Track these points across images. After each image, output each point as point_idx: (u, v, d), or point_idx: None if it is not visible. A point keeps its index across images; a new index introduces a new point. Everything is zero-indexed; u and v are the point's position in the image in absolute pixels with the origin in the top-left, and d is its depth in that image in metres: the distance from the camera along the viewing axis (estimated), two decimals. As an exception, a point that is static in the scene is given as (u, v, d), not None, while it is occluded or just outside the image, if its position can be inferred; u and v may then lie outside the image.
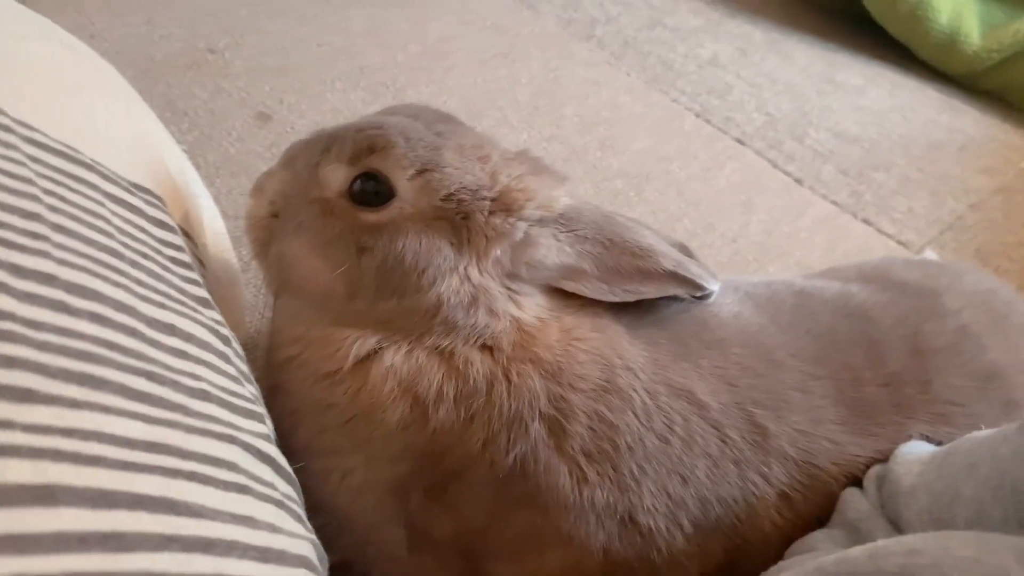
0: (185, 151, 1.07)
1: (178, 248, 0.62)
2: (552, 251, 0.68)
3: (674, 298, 0.73)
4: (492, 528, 0.68)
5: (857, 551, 0.50)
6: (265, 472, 0.51)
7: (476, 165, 0.67)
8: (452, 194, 0.66)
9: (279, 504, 0.50)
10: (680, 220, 1.29)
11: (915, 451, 0.71)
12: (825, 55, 1.90)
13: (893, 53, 1.93)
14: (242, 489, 0.46)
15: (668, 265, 0.69)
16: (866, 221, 1.40)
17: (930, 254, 1.21)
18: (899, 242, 1.37)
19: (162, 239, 0.61)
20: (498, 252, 0.67)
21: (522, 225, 0.67)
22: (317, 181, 0.67)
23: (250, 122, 1.21)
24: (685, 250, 0.76)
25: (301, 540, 0.50)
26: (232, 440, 0.48)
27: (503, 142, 1.34)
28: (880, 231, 1.39)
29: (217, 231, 0.80)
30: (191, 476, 0.42)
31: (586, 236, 0.69)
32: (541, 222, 0.68)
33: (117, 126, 0.67)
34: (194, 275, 0.62)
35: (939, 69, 1.90)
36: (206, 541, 0.40)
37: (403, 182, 0.65)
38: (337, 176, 0.67)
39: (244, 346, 0.80)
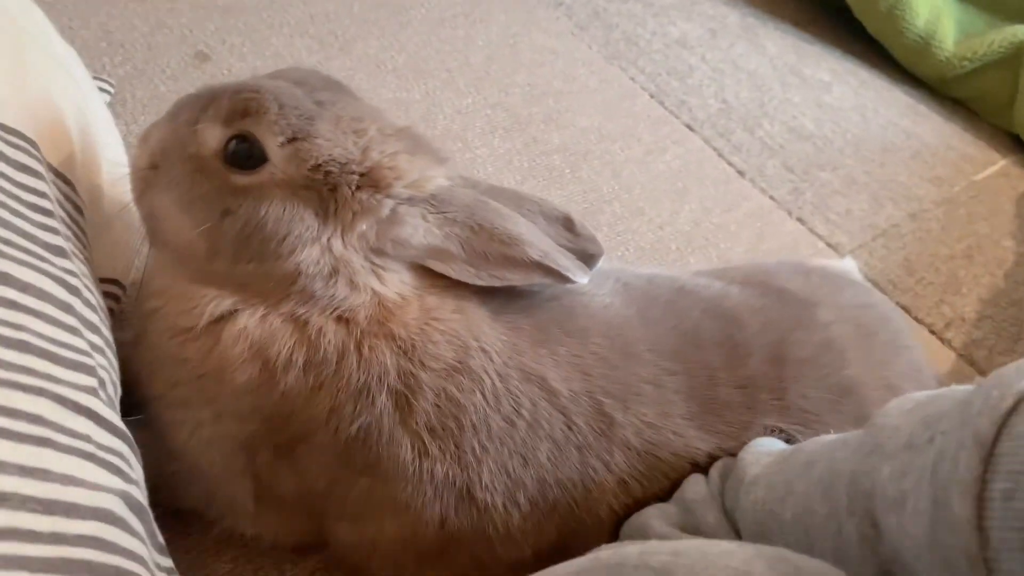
0: (113, 85, 1.07)
1: (39, 194, 0.63)
2: (419, 231, 0.69)
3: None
4: (335, 491, 0.70)
5: (632, 547, 0.53)
6: (79, 424, 0.53)
7: (350, 138, 0.68)
8: (320, 165, 0.66)
9: (89, 456, 0.52)
10: (610, 203, 1.29)
11: (766, 446, 0.74)
12: (798, 46, 1.89)
13: (869, 51, 1.92)
14: (41, 441, 0.48)
15: (534, 255, 0.70)
16: (800, 220, 1.41)
17: (849, 261, 1.22)
18: (828, 244, 1.39)
19: (22, 183, 0.62)
20: (364, 227, 0.68)
21: (389, 202, 0.68)
22: (194, 138, 0.68)
23: (187, 60, 1.21)
24: (569, 224, 0.77)
25: (107, 493, 0.52)
26: (42, 392, 0.50)
27: (445, 105, 1.35)
28: (812, 231, 1.40)
29: (119, 172, 0.81)
30: (-23, 427, 0.44)
31: (455, 219, 0.70)
32: (410, 201, 0.69)
33: (-3, 65, 0.67)
34: (52, 222, 0.63)
35: (911, 72, 1.90)
36: (-23, 491, 0.42)
37: (274, 148, 0.66)
38: (213, 135, 0.67)
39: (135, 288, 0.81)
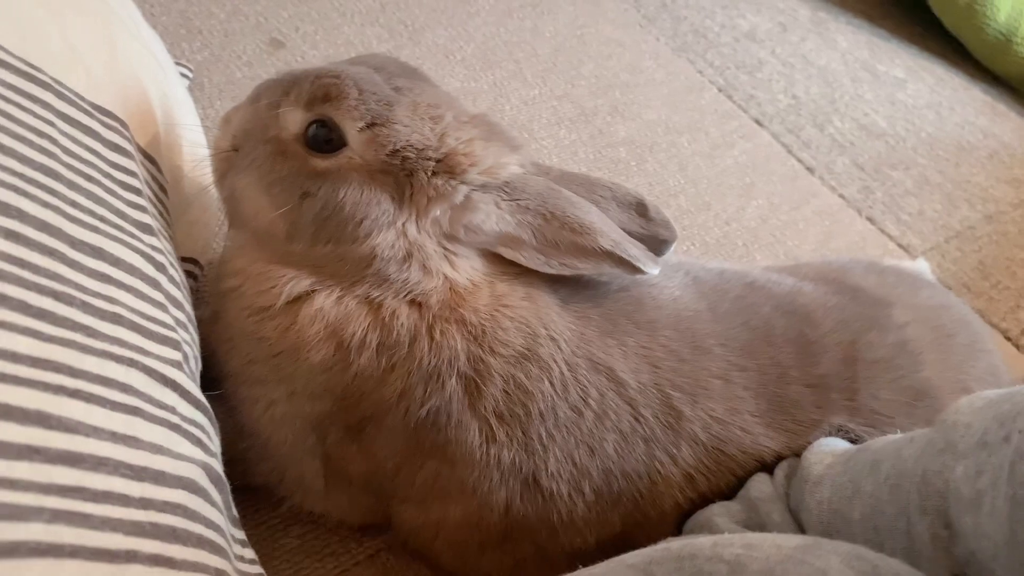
0: (191, 70, 1.10)
1: (130, 173, 0.65)
2: (492, 217, 0.69)
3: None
4: (402, 473, 0.71)
5: (704, 539, 0.52)
6: (166, 396, 0.55)
7: (426, 124, 0.69)
8: (398, 150, 0.67)
9: (175, 428, 0.54)
10: (676, 196, 1.28)
11: (830, 445, 0.73)
12: (871, 41, 1.84)
13: (946, 47, 1.86)
14: (132, 411, 0.50)
15: (605, 244, 0.70)
16: (870, 219, 1.38)
17: (922, 263, 1.19)
18: (900, 245, 1.35)
19: (114, 163, 0.64)
20: (438, 212, 0.69)
21: (463, 188, 0.69)
22: (276, 121, 0.69)
23: (262, 47, 1.23)
24: (642, 209, 0.77)
25: (190, 463, 0.54)
26: (133, 364, 0.52)
27: (512, 96, 1.35)
28: (882, 231, 1.37)
29: (199, 154, 0.83)
30: (75, 394, 0.46)
31: (528, 207, 0.70)
32: (484, 188, 0.69)
33: (91, 47, 0.69)
34: (141, 201, 0.65)
35: (990, 69, 1.84)
36: (75, 456, 0.44)
37: (353, 133, 0.67)
38: (294, 119, 0.69)
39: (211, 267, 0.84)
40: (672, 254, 0.78)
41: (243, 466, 0.74)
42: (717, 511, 0.72)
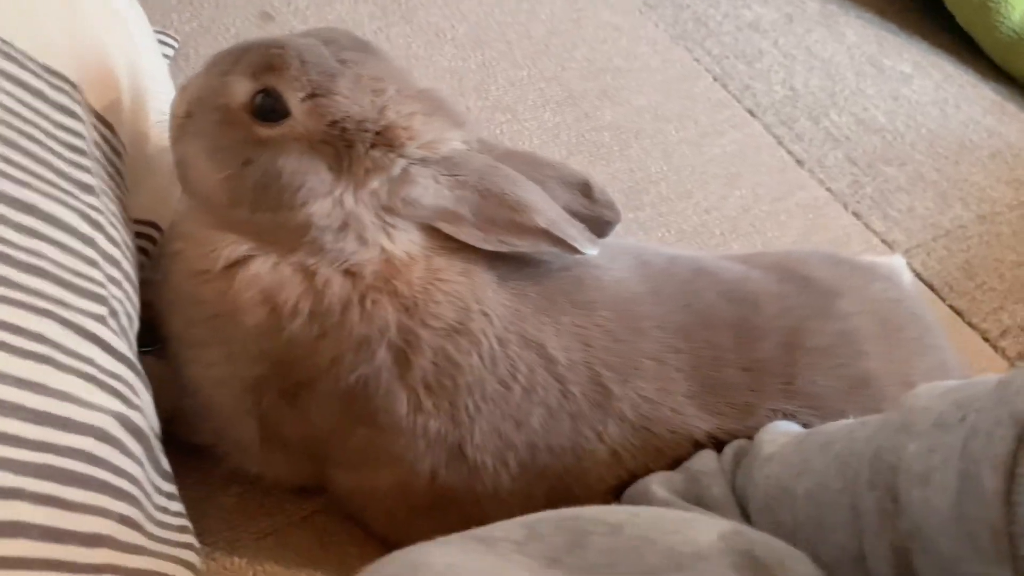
0: (177, 40, 1.12)
1: (76, 134, 0.67)
2: (429, 191, 0.71)
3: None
4: (335, 438, 0.73)
5: (595, 507, 0.54)
6: (83, 347, 0.57)
7: (368, 97, 0.70)
8: (337, 121, 0.69)
9: (89, 378, 0.56)
10: (657, 183, 1.28)
11: (784, 427, 0.74)
12: (880, 35, 1.81)
13: (959, 44, 1.82)
14: (42, 359, 0.52)
15: (542, 223, 0.71)
16: (856, 214, 1.37)
17: (898, 259, 1.18)
18: (884, 240, 1.34)
19: (60, 123, 0.66)
20: (376, 184, 0.70)
21: (401, 162, 0.70)
22: (225, 90, 0.71)
23: (251, 20, 1.25)
24: (587, 189, 0.77)
25: (103, 413, 0.56)
26: (48, 314, 0.54)
27: (500, 77, 1.36)
28: (867, 226, 1.35)
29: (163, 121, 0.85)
30: (-21, 339, 0.48)
31: (466, 182, 0.71)
32: (423, 162, 0.71)
33: (49, 11, 0.71)
34: (85, 161, 0.67)
35: (1002, 68, 1.80)
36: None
37: (296, 103, 0.69)
38: (241, 88, 0.70)
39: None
40: (631, 239, 0.79)
41: (186, 424, 0.76)
42: (656, 479, 0.73)
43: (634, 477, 0.75)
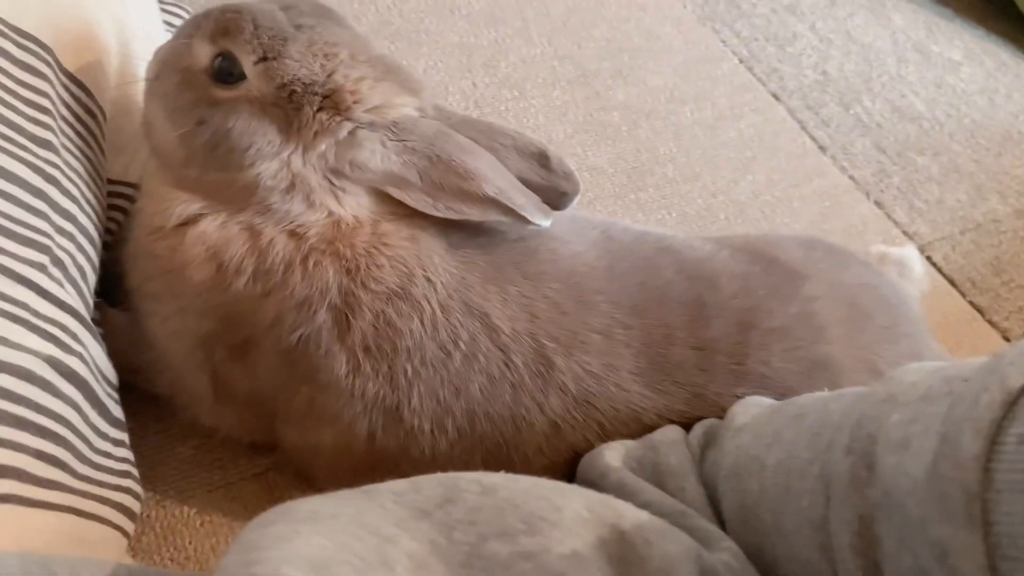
0: (189, 12, 1.15)
1: (40, 93, 0.70)
2: (376, 155, 0.71)
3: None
4: (281, 396, 0.75)
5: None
6: (18, 292, 0.59)
7: (318, 61, 0.71)
8: (287, 84, 0.70)
9: (20, 321, 0.59)
10: (663, 165, 1.26)
11: (755, 400, 0.73)
12: (931, 20, 1.73)
13: (1018, 31, 1.73)
14: (-29, 301, 0.55)
15: (489, 191, 0.71)
16: (878, 203, 1.32)
17: (910, 250, 1.13)
18: (905, 232, 1.29)
19: (22, 80, 0.69)
20: (323, 147, 0.71)
21: (348, 125, 0.71)
22: (187, 52, 0.73)
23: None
24: (544, 159, 0.77)
25: (31, 355, 0.58)
26: (-20, 258, 0.57)
27: (511, 53, 1.36)
28: (888, 216, 1.30)
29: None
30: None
31: (414, 148, 0.71)
32: (371, 126, 0.71)
33: (26, -25, 0.74)
34: (45, 119, 0.70)
35: (1066, 56, 1.70)
36: None
37: (249, 66, 0.70)
38: (202, 52, 0.72)
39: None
40: (630, 221, 0.78)
41: (146, 376, 0.79)
42: (611, 446, 0.73)
43: (575, 452, 0.74)
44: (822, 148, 1.38)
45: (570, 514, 0.48)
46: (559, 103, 1.29)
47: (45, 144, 0.68)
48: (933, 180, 1.39)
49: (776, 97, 1.44)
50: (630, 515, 0.50)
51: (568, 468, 0.75)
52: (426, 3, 1.36)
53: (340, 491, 0.55)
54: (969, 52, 1.69)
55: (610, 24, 1.45)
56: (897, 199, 1.34)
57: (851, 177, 1.35)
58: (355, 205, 0.73)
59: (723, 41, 1.52)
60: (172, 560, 0.77)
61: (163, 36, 1.01)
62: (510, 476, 0.53)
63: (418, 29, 1.32)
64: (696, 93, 1.39)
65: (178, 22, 1.12)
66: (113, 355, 0.72)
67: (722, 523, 0.65)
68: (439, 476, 0.55)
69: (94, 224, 0.73)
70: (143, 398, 0.80)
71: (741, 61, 1.49)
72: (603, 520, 0.48)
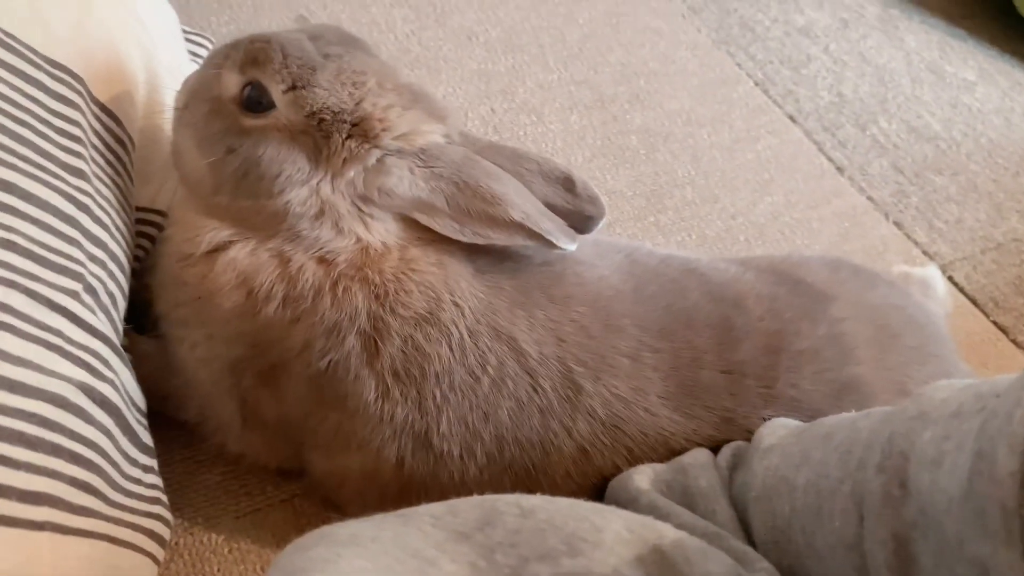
0: (212, 42, 1.17)
1: (72, 122, 0.71)
2: (404, 182, 0.72)
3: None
4: (309, 421, 0.75)
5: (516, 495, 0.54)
6: (52, 319, 0.60)
7: (347, 90, 0.72)
8: (316, 112, 0.71)
9: (54, 348, 0.59)
10: (682, 187, 1.26)
11: (783, 421, 0.73)
12: (944, 41, 1.74)
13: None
14: (3, 326, 0.56)
15: (516, 216, 0.71)
16: (897, 224, 1.31)
17: (932, 270, 1.12)
18: (926, 252, 1.28)
19: (55, 110, 0.70)
20: (352, 174, 0.72)
21: (376, 152, 0.71)
22: (216, 82, 0.74)
23: (287, 23, 1.29)
24: (569, 184, 0.77)
25: (64, 382, 0.59)
26: (13, 285, 0.57)
27: (528, 79, 1.37)
28: (908, 236, 1.30)
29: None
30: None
31: (442, 174, 0.72)
32: (399, 153, 0.72)
33: (58, 7, 0.76)
34: (77, 147, 0.71)
35: (1080, 75, 1.70)
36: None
37: (278, 95, 0.71)
38: (231, 81, 0.73)
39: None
40: (652, 244, 0.78)
41: (175, 402, 0.80)
42: (640, 470, 0.73)
43: (603, 476, 0.74)
44: (840, 169, 1.38)
45: (611, 535, 0.48)
46: (577, 128, 1.30)
47: (77, 173, 0.69)
48: (952, 200, 1.39)
49: (792, 119, 1.45)
50: (670, 535, 0.50)
51: (596, 493, 0.75)
52: (444, 31, 1.38)
53: (377, 515, 0.55)
54: (983, 72, 1.69)
55: (626, 49, 1.47)
56: (916, 219, 1.33)
57: (869, 198, 1.35)
58: (383, 231, 0.73)
59: (738, 64, 1.53)
60: (200, 587, 0.77)
61: (188, 66, 1.03)
62: (547, 498, 0.53)
63: (437, 56, 1.33)
64: (713, 116, 1.39)
65: (203, 52, 1.14)
66: (142, 382, 0.73)
67: (753, 545, 0.65)
68: (476, 499, 0.55)
69: (124, 251, 0.74)
70: (171, 425, 0.80)
71: (756, 84, 1.50)
72: (644, 540, 0.48)
